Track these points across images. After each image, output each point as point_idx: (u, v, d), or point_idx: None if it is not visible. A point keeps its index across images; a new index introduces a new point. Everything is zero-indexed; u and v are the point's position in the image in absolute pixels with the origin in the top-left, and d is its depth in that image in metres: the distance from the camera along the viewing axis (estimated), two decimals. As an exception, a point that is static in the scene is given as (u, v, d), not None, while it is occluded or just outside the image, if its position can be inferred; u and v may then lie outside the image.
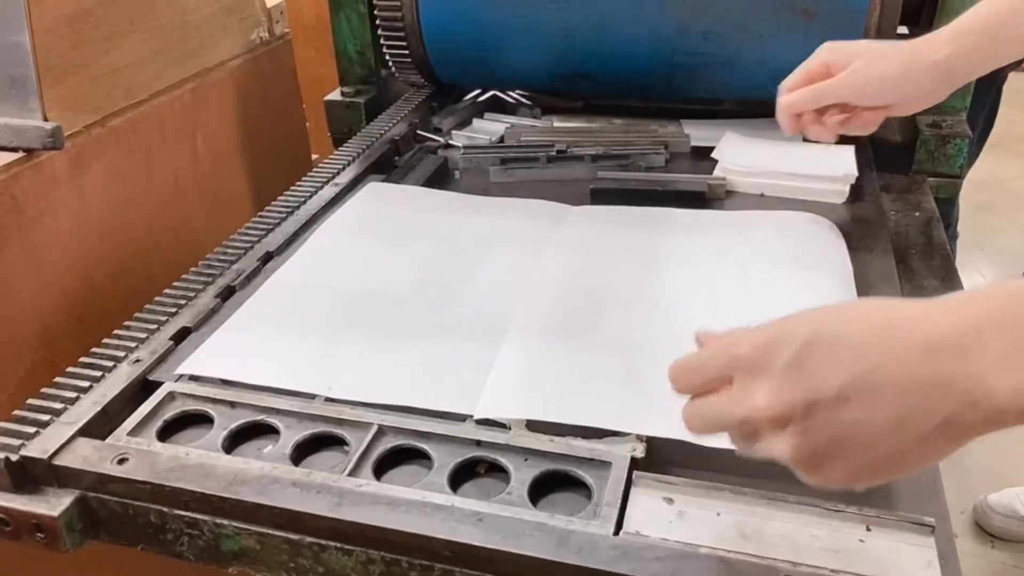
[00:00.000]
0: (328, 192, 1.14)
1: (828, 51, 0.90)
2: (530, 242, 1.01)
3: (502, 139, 1.36)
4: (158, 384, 0.77)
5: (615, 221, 1.07)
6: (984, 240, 3.01)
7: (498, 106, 1.52)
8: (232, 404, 0.75)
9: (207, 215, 1.32)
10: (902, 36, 1.24)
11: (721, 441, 0.67)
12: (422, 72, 1.43)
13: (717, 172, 1.19)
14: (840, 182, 1.14)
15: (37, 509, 0.65)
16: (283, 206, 1.09)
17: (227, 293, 0.92)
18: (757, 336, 0.50)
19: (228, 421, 0.73)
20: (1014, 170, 3.49)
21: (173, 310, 0.87)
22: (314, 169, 1.20)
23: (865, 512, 0.60)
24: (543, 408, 0.71)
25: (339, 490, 0.64)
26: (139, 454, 0.68)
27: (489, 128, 1.41)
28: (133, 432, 0.72)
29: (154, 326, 0.84)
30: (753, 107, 1.40)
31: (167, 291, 0.90)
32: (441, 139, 1.36)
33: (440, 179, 1.26)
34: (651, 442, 0.68)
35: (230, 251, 0.99)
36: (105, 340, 0.82)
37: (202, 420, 0.74)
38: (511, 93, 1.54)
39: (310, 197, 1.12)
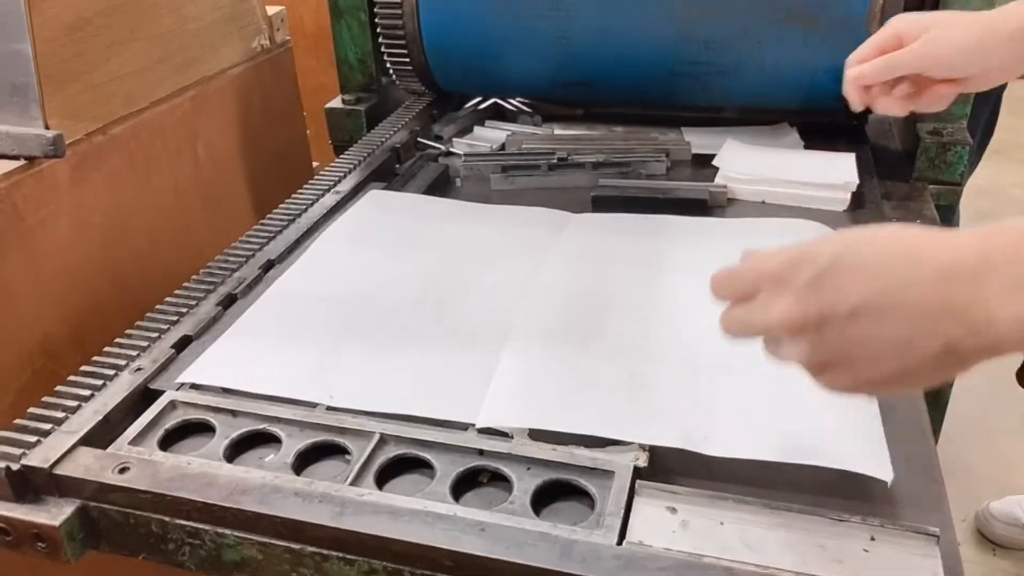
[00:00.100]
0: (329, 200, 1.14)
1: (899, 21, 0.86)
2: (531, 250, 1.01)
3: (503, 147, 1.36)
4: (159, 393, 0.77)
5: (616, 229, 1.07)
6: (984, 246, 3.00)
7: (499, 114, 1.53)
8: (234, 413, 0.74)
9: (208, 223, 1.32)
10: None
11: (723, 450, 0.68)
12: (423, 80, 1.43)
13: (718, 180, 1.19)
14: (841, 190, 1.14)
15: (38, 518, 0.65)
16: (284, 214, 1.09)
17: (228, 301, 0.91)
18: (787, 254, 0.55)
19: (229, 430, 0.73)
20: (1014, 177, 3.49)
21: (174, 318, 0.87)
22: (315, 177, 1.20)
23: (869, 522, 0.60)
24: (545, 417, 0.71)
25: (341, 499, 0.64)
26: (140, 463, 0.68)
27: (490, 136, 1.41)
28: (134, 441, 0.71)
29: (155, 334, 0.84)
30: (754, 115, 1.41)
31: (168, 299, 0.90)
32: (442, 147, 1.36)
33: (441, 187, 1.26)
34: (654, 451, 0.68)
35: (231, 259, 0.99)
36: (106, 348, 0.82)
37: (203, 429, 0.74)
38: (512, 101, 1.55)
39: (311, 205, 1.12)
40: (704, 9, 1.24)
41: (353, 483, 0.66)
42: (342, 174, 1.20)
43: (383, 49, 1.40)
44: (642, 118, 1.44)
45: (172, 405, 0.76)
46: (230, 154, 1.38)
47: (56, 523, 0.64)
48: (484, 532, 0.60)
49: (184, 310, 0.88)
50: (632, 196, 1.16)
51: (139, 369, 0.79)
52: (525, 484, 0.66)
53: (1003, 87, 1.88)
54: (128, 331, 0.84)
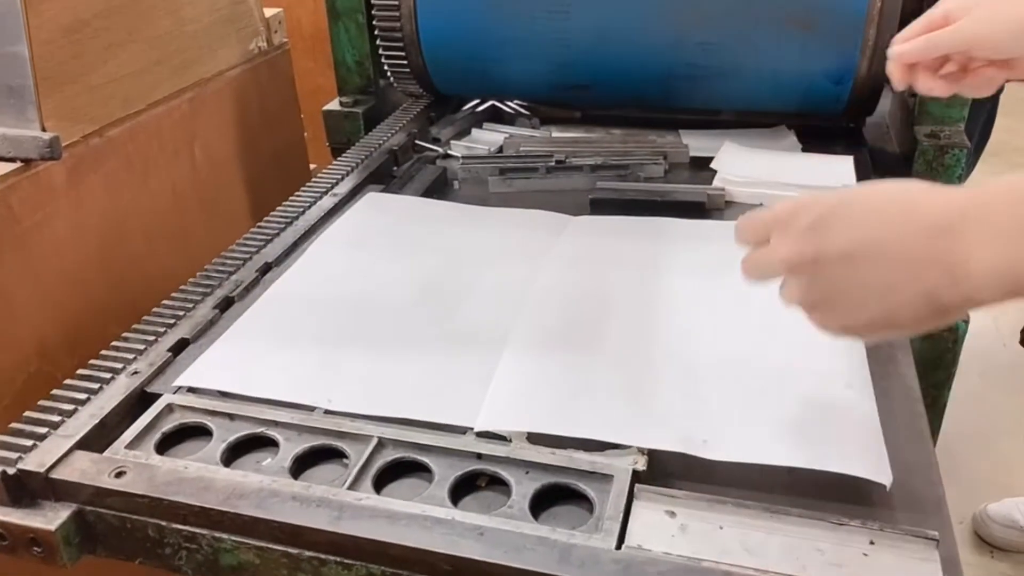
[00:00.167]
0: (327, 202, 1.13)
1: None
2: (529, 253, 1.01)
3: (501, 149, 1.36)
4: (156, 396, 0.77)
5: (614, 231, 1.07)
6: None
7: (497, 116, 1.53)
8: (231, 416, 0.74)
9: (205, 225, 1.31)
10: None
11: (722, 454, 0.68)
12: (421, 82, 1.43)
13: (716, 182, 1.19)
14: (839, 192, 1.14)
15: (34, 523, 0.64)
16: (282, 216, 1.09)
17: (226, 304, 0.91)
18: (796, 201, 0.59)
19: (227, 434, 0.72)
20: (1011, 179, 3.49)
21: (171, 321, 0.86)
22: (312, 179, 1.20)
23: (869, 525, 0.60)
24: (544, 420, 0.71)
25: (339, 503, 0.64)
26: (137, 467, 0.67)
27: (488, 138, 1.41)
28: (131, 445, 0.71)
29: (152, 337, 0.84)
30: (752, 117, 1.41)
31: (165, 302, 0.90)
32: (440, 149, 1.36)
33: (439, 189, 1.25)
34: (652, 455, 0.68)
35: (228, 262, 0.98)
36: (103, 352, 0.81)
37: (201, 433, 0.74)
38: (510, 103, 1.54)
39: (309, 207, 1.12)
40: (702, 12, 1.24)
41: (351, 487, 0.66)
42: (340, 176, 1.20)
43: (381, 51, 1.40)
44: (640, 121, 1.44)
45: (169, 408, 0.75)
46: (228, 156, 1.38)
47: (52, 528, 0.64)
48: (482, 536, 0.60)
49: (181, 313, 0.88)
50: (630, 199, 1.16)
51: (136, 372, 0.79)
52: (524, 488, 0.66)
53: (1000, 89, 1.87)
54: (125, 334, 0.84)
